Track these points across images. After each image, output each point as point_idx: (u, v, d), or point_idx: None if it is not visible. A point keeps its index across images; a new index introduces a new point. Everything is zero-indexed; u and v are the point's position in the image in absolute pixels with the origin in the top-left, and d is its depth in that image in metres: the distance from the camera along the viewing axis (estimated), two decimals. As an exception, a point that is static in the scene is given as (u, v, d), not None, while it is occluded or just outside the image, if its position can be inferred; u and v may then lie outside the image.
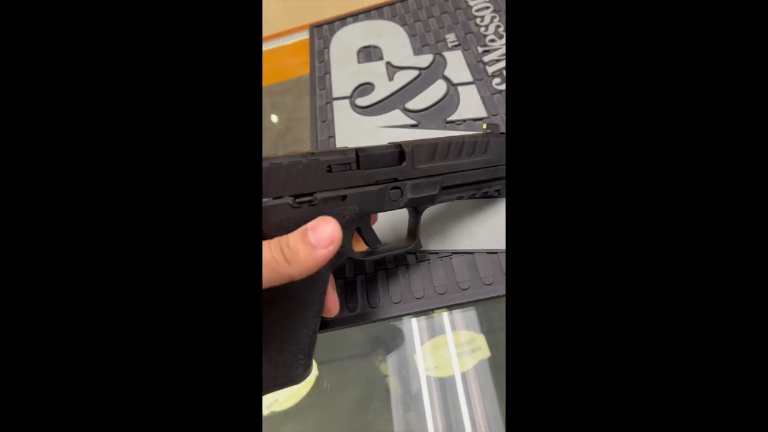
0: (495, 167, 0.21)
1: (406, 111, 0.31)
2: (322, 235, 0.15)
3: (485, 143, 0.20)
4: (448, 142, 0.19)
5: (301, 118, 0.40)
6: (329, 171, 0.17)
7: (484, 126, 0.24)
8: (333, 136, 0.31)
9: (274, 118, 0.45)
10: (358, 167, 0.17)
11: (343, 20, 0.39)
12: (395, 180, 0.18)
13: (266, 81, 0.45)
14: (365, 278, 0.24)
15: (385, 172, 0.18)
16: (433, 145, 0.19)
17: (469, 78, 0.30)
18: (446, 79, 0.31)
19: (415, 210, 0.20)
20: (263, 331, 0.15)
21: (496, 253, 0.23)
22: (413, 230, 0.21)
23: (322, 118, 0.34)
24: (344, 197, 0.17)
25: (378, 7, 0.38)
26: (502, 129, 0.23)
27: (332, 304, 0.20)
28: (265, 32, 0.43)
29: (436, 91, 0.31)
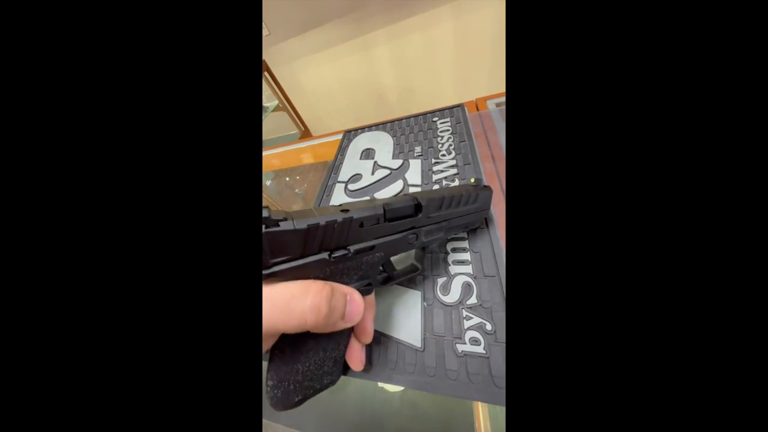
0: (482, 211, 0.27)
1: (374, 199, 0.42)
2: (351, 316, 0.17)
3: (476, 195, 0.26)
4: (450, 195, 0.24)
5: (313, 186, 0.58)
6: (361, 226, 0.19)
7: (472, 180, 0.32)
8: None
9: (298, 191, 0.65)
10: (386, 220, 0.20)
11: (363, 129, 0.56)
12: (413, 228, 0.22)
13: (309, 161, 0.67)
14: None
15: (405, 222, 0.22)
16: (440, 198, 0.23)
17: (418, 182, 0.39)
18: (404, 179, 0.41)
19: (423, 247, 0.25)
20: (307, 353, 0.18)
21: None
22: (420, 260, 0.26)
23: (327, 193, 0.49)
24: (373, 247, 0.20)
25: (384, 123, 0.54)
26: (485, 183, 0.32)
27: (357, 356, 0.21)
28: (322, 132, 0.66)
29: (395, 187, 0.41)
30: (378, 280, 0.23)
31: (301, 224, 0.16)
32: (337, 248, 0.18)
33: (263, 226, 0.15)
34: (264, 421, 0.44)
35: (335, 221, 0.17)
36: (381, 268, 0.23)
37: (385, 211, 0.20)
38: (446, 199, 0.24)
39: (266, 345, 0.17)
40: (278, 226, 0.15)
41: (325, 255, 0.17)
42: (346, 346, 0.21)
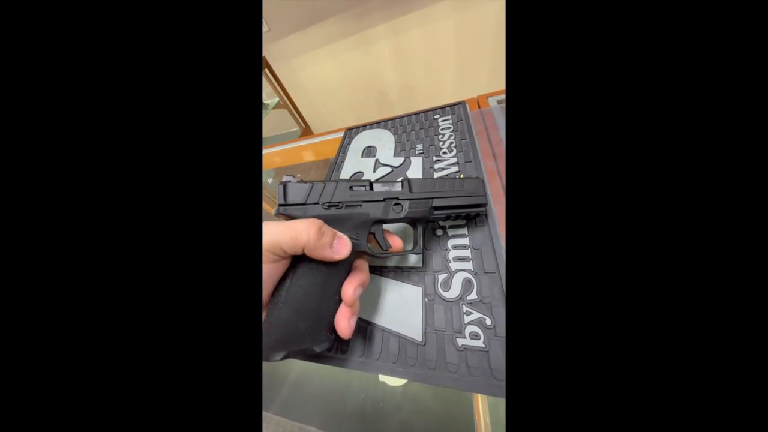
0: (469, 197, 0.29)
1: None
2: (339, 248, 0.22)
3: (462, 182, 0.30)
4: (435, 179, 0.30)
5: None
6: (351, 189, 0.26)
7: (461, 176, 0.36)
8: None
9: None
10: (371, 189, 0.27)
11: (364, 126, 0.57)
12: (397, 199, 0.28)
13: (311, 159, 0.67)
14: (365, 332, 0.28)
15: (390, 192, 0.28)
16: (425, 179, 0.30)
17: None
18: (405, 177, 0.41)
19: (415, 225, 0.29)
20: (294, 295, 0.21)
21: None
22: (416, 239, 0.29)
23: (329, 190, 0.50)
24: (360, 205, 0.26)
25: (386, 120, 0.54)
26: (474, 175, 0.36)
27: (346, 322, 0.22)
28: (323, 130, 0.66)
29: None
30: (372, 249, 0.27)
31: (309, 183, 0.25)
32: (331, 204, 0.25)
33: (283, 182, 0.25)
34: (265, 413, 0.44)
35: (332, 183, 0.25)
36: (373, 235, 0.27)
37: (370, 183, 0.27)
38: (430, 181, 0.29)
39: (267, 259, 0.20)
40: (290, 181, 0.25)
41: (320, 206, 0.25)
42: (332, 311, 0.23)
